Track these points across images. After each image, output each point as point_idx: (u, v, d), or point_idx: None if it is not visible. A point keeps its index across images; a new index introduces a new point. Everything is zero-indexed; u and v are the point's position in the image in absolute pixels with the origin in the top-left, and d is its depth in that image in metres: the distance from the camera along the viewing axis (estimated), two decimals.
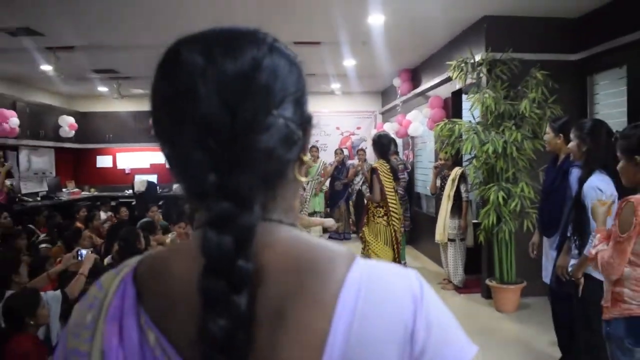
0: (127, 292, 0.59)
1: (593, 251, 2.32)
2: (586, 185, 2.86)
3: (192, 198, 0.59)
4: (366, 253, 5.00)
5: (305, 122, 0.61)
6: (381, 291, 0.56)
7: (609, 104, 5.01)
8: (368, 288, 0.55)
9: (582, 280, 2.92)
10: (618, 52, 4.68)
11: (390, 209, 5.03)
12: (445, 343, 0.57)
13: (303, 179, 0.63)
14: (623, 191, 2.72)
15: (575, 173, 3.18)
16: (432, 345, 0.55)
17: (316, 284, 0.55)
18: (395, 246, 5.03)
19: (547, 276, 3.49)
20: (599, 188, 2.79)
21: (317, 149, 9.23)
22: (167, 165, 0.60)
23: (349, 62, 7.44)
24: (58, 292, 3.19)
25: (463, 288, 5.78)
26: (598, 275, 2.82)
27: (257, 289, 0.53)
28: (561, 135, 3.41)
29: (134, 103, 10.41)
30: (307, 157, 0.63)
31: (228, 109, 0.54)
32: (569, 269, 3.03)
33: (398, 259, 5.04)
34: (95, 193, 10.38)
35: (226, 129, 0.54)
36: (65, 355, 0.60)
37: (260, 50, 0.57)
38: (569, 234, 3.08)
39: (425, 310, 0.57)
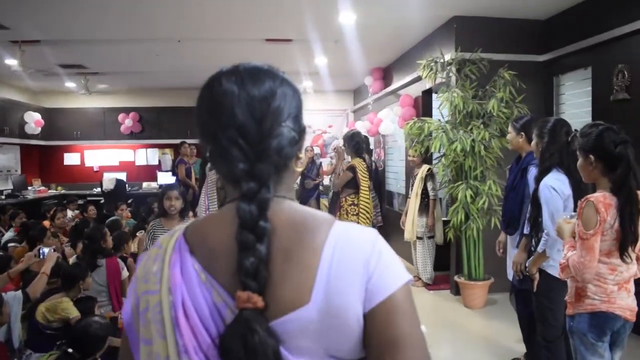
0: (182, 247, 0.85)
1: (563, 260, 2.35)
2: (541, 184, 2.89)
3: (228, 181, 0.86)
4: None
5: (301, 130, 0.90)
6: (350, 240, 0.83)
7: (574, 104, 5.12)
8: (343, 239, 0.82)
9: (537, 275, 2.98)
10: (583, 53, 4.79)
11: (361, 207, 5.04)
12: (387, 269, 0.82)
13: (299, 169, 0.91)
14: (577, 188, 2.80)
15: (532, 171, 3.23)
16: (378, 270, 0.81)
17: (309, 237, 0.82)
18: None
19: (510, 273, 3.55)
20: (552, 187, 2.83)
21: None
22: (210, 159, 0.88)
23: (321, 60, 7.42)
24: (19, 292, 3.11)
25: (432, 285, 5.84)
26: (552, 271, 2.88)
27: (272, 239, 0.80)
28: (522, 134, 3.46)
29: (102, 99, 10.21)
30: (302, 155, 0.91)
31: (254, 121, 0.83)
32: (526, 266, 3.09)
33: None
34: (63, 191, 10.15)
35: (253, 134, 0.82)
36: (137, 298, 0.86)
37: (275, 82, 0.87)
38: (526, 232, 3.13)
39: (377, 250, 0.83)
